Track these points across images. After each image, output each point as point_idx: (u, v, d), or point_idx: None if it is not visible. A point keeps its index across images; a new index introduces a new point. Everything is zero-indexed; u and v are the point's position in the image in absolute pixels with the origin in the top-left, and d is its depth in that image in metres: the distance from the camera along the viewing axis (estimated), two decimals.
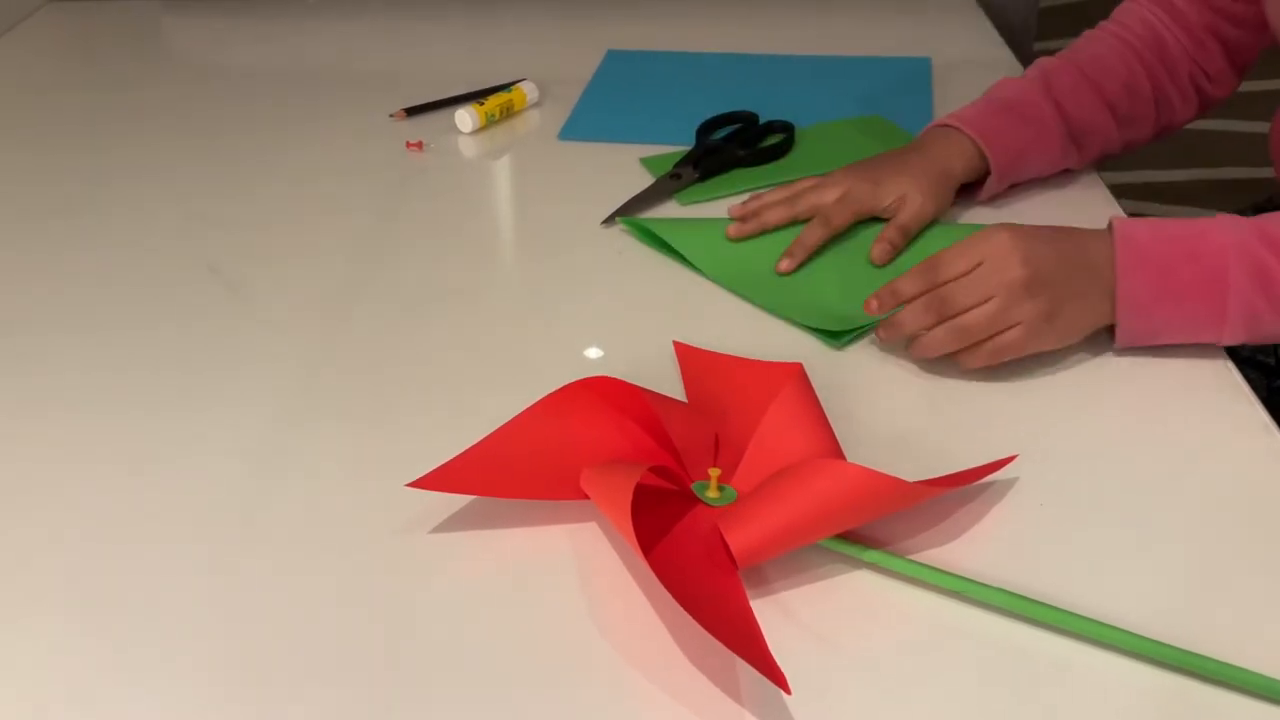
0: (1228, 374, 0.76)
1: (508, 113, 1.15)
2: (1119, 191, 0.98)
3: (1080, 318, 0.75)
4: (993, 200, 0.95)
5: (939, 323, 0.75)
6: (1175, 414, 0.73)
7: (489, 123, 1.13)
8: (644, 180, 1.01)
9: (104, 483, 0.70)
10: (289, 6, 1.46)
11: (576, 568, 0.63)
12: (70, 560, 0.64)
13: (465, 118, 1.11)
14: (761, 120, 1.10)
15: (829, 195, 0.89)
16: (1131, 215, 0.79)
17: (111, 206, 1.02)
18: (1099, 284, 0.75)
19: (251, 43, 1.38)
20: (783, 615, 0.59)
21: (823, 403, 0.70)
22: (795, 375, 0.71)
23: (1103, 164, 0.99)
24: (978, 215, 0.93)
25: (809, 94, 1.18)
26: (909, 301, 0.76)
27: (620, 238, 0.94)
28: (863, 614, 0.60)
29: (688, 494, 0.65)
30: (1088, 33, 1.00)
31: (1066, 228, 0.78)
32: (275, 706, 0.56)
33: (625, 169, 1.04)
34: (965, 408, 0.74)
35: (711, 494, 0.65)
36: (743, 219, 0.91)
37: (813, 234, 0.88)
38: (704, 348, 0.78)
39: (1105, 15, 1.02)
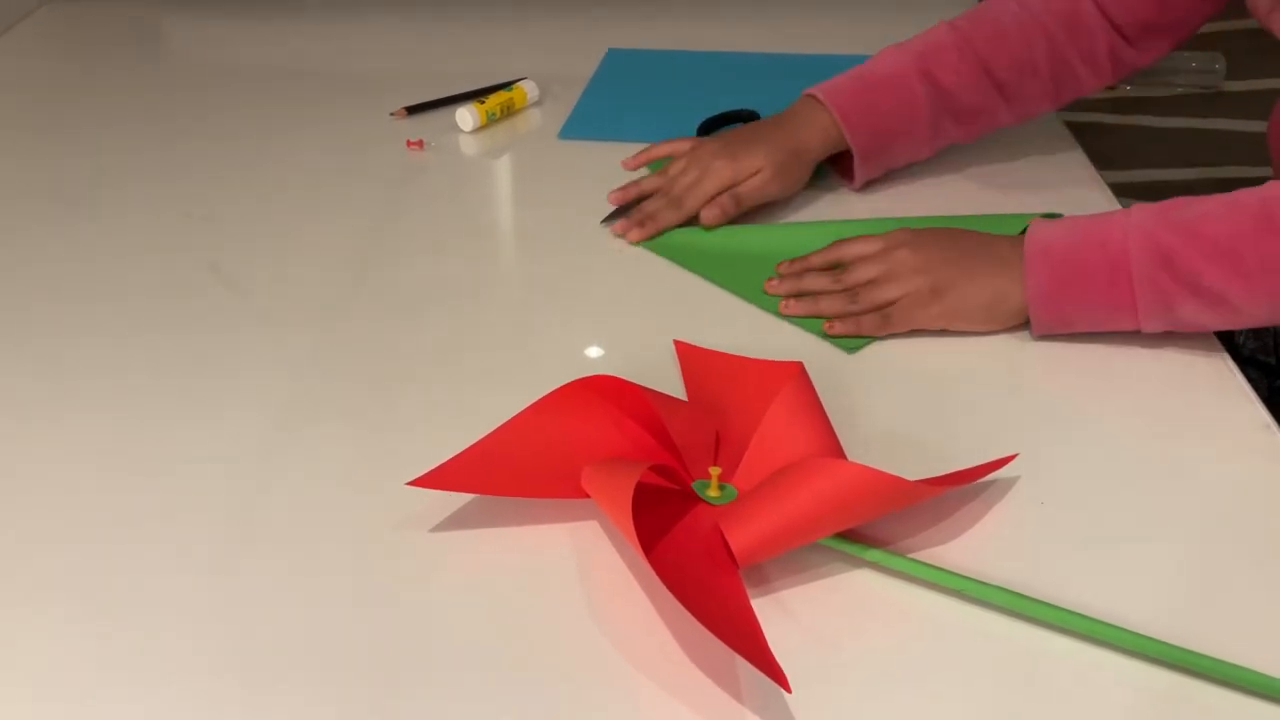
0: (1228, 374, 0.76)
1: (508, 111, 1.15)
2: (1119, 191, 0.98)
3: (973, 297, 0.79)
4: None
5: (834, 290, 0.83)
6: (1175, 413, 0.73)
7: (489, 121, 1.13)
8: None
9: (104, 482, 0.70)
10: (289, 6, 1.46)
11: (577, 566, 0.63)
12: (71, 560, 0.64)
13: (466, 116, 1.11)
14: (761, 119, 1.09)
15: (689, 177, 0.93)
16: None
17: (111, 206, 1.01)
18: (1002, 271, 0.78)
19: (251, 42, 1.38)
20: (783, 614, 0.59)
21: (823, 402, 0.70)
22: (796, 374, 0.71)
23: (1103, 164, 0.99)
24: (990, 205, 0.93)
25: None
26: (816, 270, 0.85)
27: (620, 237, 0.94)
28: (863, 612, 0.60)
29: (688, 493, 0.65)
30: (990, 3, 0.97)
31: (979, 233, 0.83)
32: (276, 705, 0.56)
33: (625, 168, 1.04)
34: (965, 407, 0.74)
35: (712, 493, 0.65)
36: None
37: (665, 218, 0.92)
38: (704, 347, 0.78)
39: None
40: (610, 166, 1.04)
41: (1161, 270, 0.74)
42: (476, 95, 1.15)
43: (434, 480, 0.64)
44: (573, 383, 0.68)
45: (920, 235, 0.83)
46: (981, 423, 0.73)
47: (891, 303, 0.80)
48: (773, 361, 0.74)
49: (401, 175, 1.05)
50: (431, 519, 0.66)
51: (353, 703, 0.56)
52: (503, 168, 1.09)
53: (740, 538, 0.60)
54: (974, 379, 0.76)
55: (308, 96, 1.22)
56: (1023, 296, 0.78)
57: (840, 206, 0.96)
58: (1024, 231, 0.80)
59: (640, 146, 1.06)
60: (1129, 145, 2.26)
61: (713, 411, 0.70)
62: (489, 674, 0.57)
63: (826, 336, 0.80)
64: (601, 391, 0.68)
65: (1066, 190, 0.97)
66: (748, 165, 0.92)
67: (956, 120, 0.96)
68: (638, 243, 0.92)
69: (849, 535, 0.62)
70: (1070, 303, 0.77)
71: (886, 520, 0.64)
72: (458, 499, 0.66)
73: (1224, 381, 0.76)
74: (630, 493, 0.59)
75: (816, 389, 0.71)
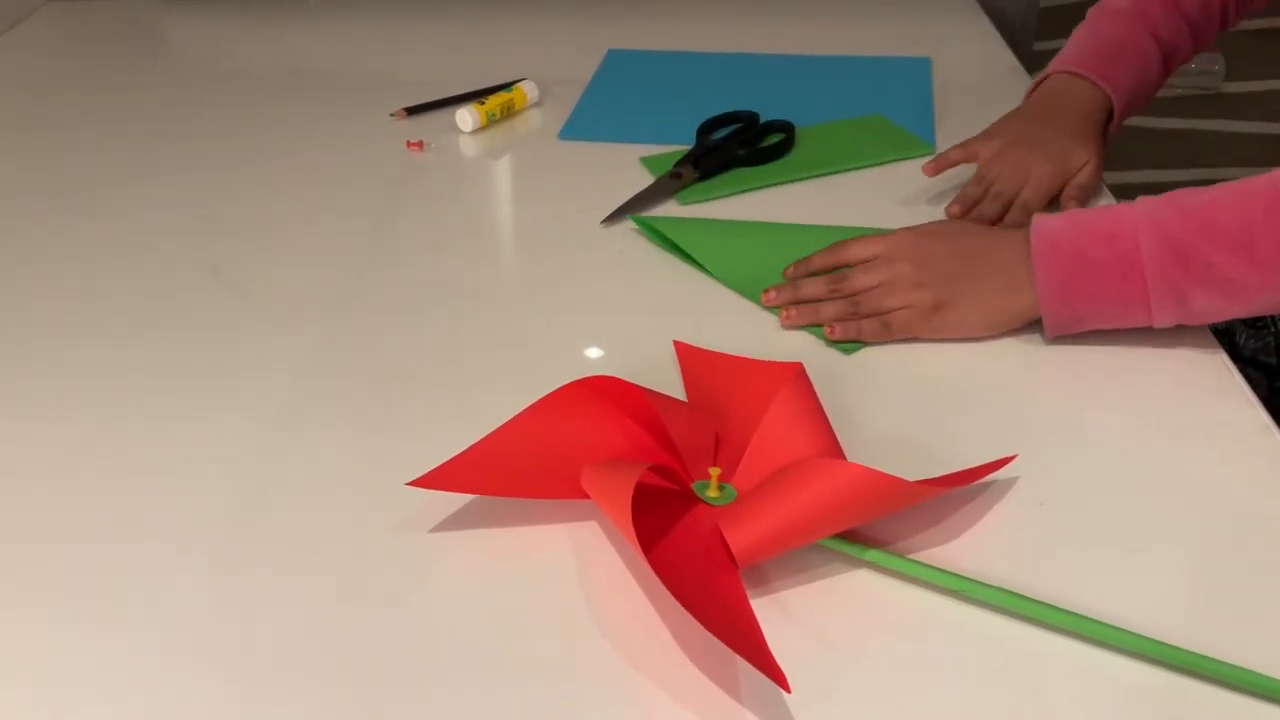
0: (1228, 374, 0.76)
1: (508, 112, 1.15)
2: (1119, 192, 0.97)
3: (978, 310, 0.79)
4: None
5: (832, 297, 0.82)
6: (1175, 413, 0.73)
7: (489, 122, 1.13)
8: (644, 180, 1.01)
9: (104, 482, 0.70)
10: (289, 6, 1.46)
11: (576, 566, 0.63)
12: (70, 560, 0.64)
13: (466, 117, 1.11)
14: (762, 120, 1.10)
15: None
16: None
17: (112, 206, 1.02)
18: (1008, 278, 0.78)
19: (252, 42, 1.38)
20: (783, 614, 0.59)
21: (823, 402, 0.70)
22: (795, 375, 0.71)
23: (1102, 164, 0.99)
24: None
25: (809, 94, 1.18)
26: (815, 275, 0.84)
27: (621, 238, 0.94)
28: (862, 613, 0.60)
29: (688, 493, 0.65)
30: None
31: (984, 229, 0.84)
32: (275, 705, 0.56)
33: (625, 168, 1.04)
34: (965, 407, 0.74)
35: (712, 493, 0.65)
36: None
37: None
38: (704, 347, 0.78)
39: None
40: (610, 167, 1.04)
41: (1173, 262, 0.74)
42: (476, 96, 1.15)
43: (433, 480, 0.64)
44: (572, 383, 0.68)
45: (921, 241, 0.82)
46: (981, 423, 0.73)
47: (892, 311, 0.80)
48: (772, 362, 0.74)
49: (401, 176, 1.05)
50: (431, 519, 0.66)
51: (352, 702, 0.56)
52: (503, 168, 1.09)
53: (740, 538, 0.60)
54: (974, 380, 0.76)
55: (308, 97, 1.22)
56: (1028, 300, 0.77)
57: (845, 209, 0.96)
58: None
59: (640, 148, 1.07)
60: (1129, 146, 2.26)
61: (712, 412, 0.70)
62: (488, 674, 0.57)
63: (835, 343, 0.80)
64: (601, 392, 0.68)
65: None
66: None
67: (1165, 70, 0.99)
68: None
69: (848, 536, 0.62)
70: (1082, 301, 0.77)
71: (886, 521, 0.64)
72: (457, 499, 0.66)
73: (1223, 382, 0.76)
74: (630, 493, 0.59)
75: (816, 390, 0.71)
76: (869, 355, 0.79)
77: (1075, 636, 0.58)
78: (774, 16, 1.39)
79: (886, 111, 1.12)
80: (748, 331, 0.82)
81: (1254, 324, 0.97)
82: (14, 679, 0.57)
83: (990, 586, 0.59)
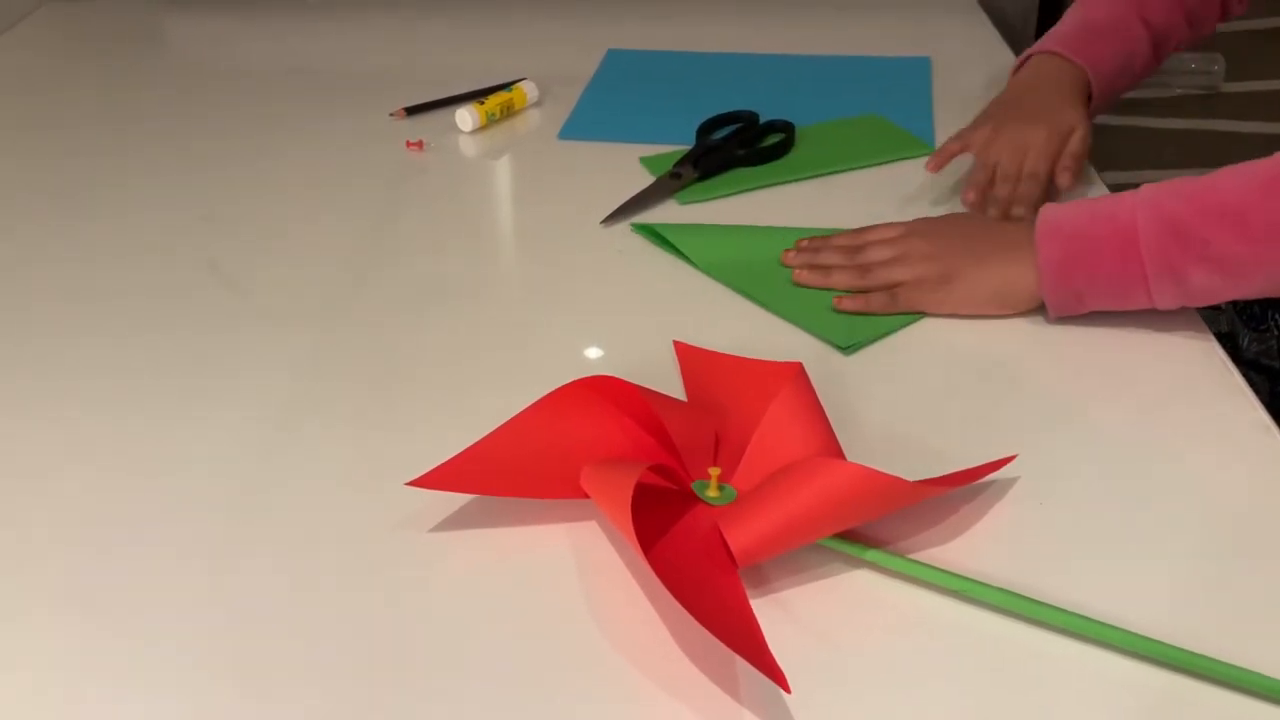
0: (1228, 375, 0.76)
1: (508, 112, 1.15)
2: (1118, 190, 0.98)
3: (981, 285, 0.80)
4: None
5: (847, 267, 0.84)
6: (1176, 414, 0.73)
7: (489, 122, 1.13)
8: (644, 179, 1.01)
9: (103, 481, 0.70)
10: (289, 6, 1.46)
11: (576, 566, 0.63)
12: (69, 560, 0.64)
13: (465, 117, 1.11)
14: (761, 120, 1.10)
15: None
16: None
17: (111, 205, 1.02)
18: (1014, 256, 0.79)
19: (251, 42, 1.38)
20: (782, 614, 0.59)
21: (822, 402, 0.70)
22: (795, 374, 0.71)
23: (1102, 164, 1.00)
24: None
25: (809, 94, 1.18)
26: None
27: (620, 238, 0.94)
28: (862, 613, 0.60)
29: (687, 493, 0.65)
30: None
31: (995, 220, 0.87)
32: (275, 705, 0.56)
33: (625, 168, 1.04)
34: (965, 407, 0.74)
35: (711, 493, 0.65)
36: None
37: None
38: (704, 347, 0.78)
39: None
40: (610, 166, 1.04)
41: (1170, 238, 0.75)
42: (476, 96, 1.15)
43: (433, 480, 0.64)
44: (572, 383, 0.68)
45: (936, 224, 0.86)
46: (981, 423, 0.73)
47: (900, 284, 0.82)
48: (772, 362, 0.74)
49: (401, 175, 1.05)
50: (430, 519, 0.66)
51: (352, 702, 0.56)
52: (502, 168, 1.09)
53: (739, 538, 0.60)
54: (973, 380, 0.76)
55: (308, 97, 1.22)
56: (1035, 279, 0.79)
57: (844, 209, 0.96)
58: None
59: (640, 147, 1.07)
60: (1128, 146, 2.26)
61: (712, 412, 0.70)
62: (487, 674, 0.57)
63: (824, 337, 0.80)
64: (601, 392, 0.68)
65: (1066, 192, 0.97)
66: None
67: (1156, 53, 0.99)
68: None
69: (848, 535, 0.62)
70: (1082, 278, 0.78)
71: (886, 520, 0.64)
72: (457, 499, 0.66)
73: (1224, 384, 0.76)
74: (629, 493, 0.59)
75: (816, 389, 0.71)
76: (869, 355, 0.79)
77: (1075, 636, 0.58)
78: (774, 16, 1.39)
79: (886, 111, 1.12)
80: (747, 331, 0.82)
81: (1257, 326, 0.97)
82: (13, 679, 0.57)
83: (990, 586, 0.59)
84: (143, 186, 1.05)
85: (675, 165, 1.02)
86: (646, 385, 0.68)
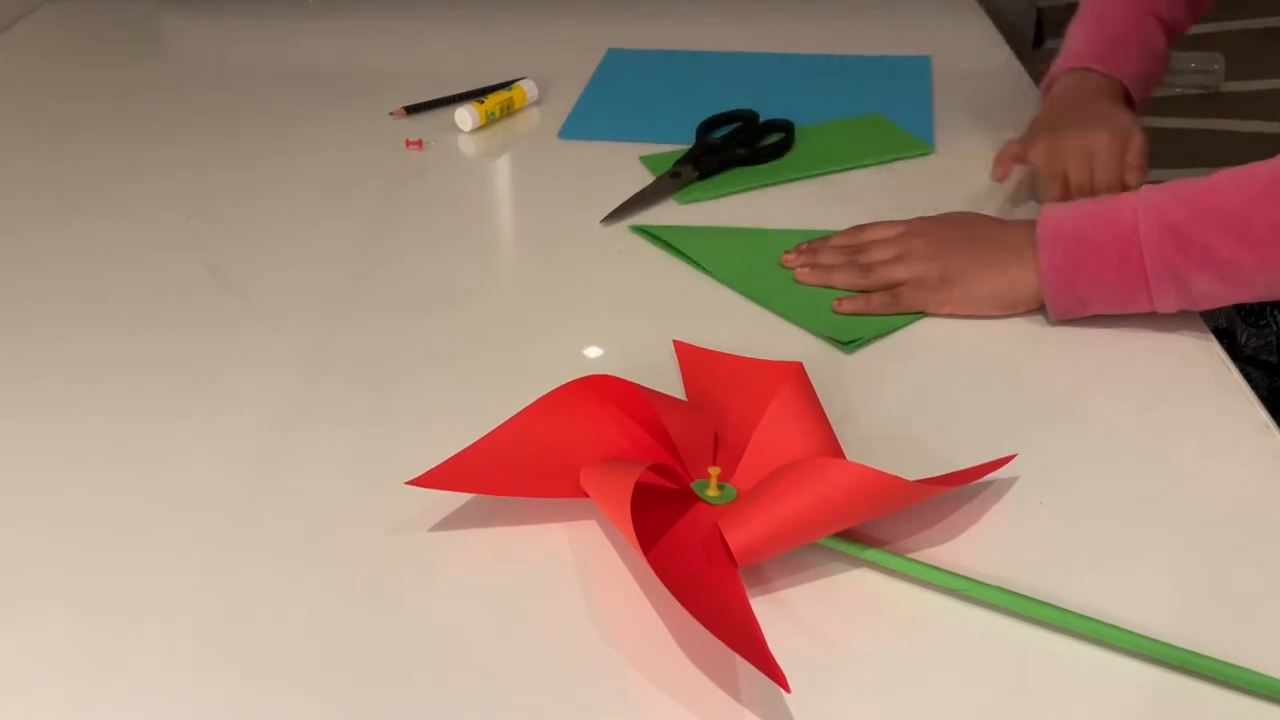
0: (1227, 373, 0.76)
1: (508, 111, 1.15)
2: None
3: (981, 285, 0.80)
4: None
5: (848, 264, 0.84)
6: (1174, 412, 0.73)
7: (489, 121, 1.13)
8: (644, 179, 1.01)
9: (102, 481, 0.70)
10: (288, 5, 1.46)
11: (576, 566, 0.63)
12: (70, 562, 0.64)
13: (465, 116, 1.11)
14: (761, 119, 1.10)
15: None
16: None
17: (110, 206, 1.01)
18: (1017, 259, 0.79)
19: (251, 42, 1.38)
20: (782, 613, 0.59)
21: (822, 401, 0.70)
22: (795, 374, 0.71)
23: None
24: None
25: (809, 93, 1.18)
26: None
27: (620, 237, 0.94)
28: (862, 612, 0.60)
29: (687, 492, 0.65)
30: None
31: (996, 219, 0.86)
32: (274, 703, 0.56)
33: (625, 167, 1.04)
34: (964, 406, 0.74)
35: (711, 492, 0.65)
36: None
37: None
38: (704, 346, 0.78)
39: None
40: (610, 166, 1.04)
41: (1171, 244, 0.75)
42: (476, 95, 1.15)
43: (432, 480, 0.64)
44: (571, 382, 0.68)
45: (937, 223, 0.85)
46: (980, 423, 0.73)
47: (902, 283, 0.82)
48: (772, 361, 0.73)
49: (401, 175, 1.05)
50: (430, 519, 0.66)
51: (349, 701, 0.56)
52: (502, 167, 1.09)
53: (739, 537, 0.60)
54: (973, 379, 0.76)
55: (307, 96, 1.22)
56: (1036, 282, 0.79)
57: (844, 208, 0.96)
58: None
59: (640, 146, 1.07)
60: None
61: (712, 411, 0.70)
62: (486, 673, 0.57)
63: (826, 335, 0.80)
64: (600, 391, 0.68)
65: None
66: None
67: (1168, 43, 0.99)
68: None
69: (848, 535, 0.62)
70: (1084, 284, 0.78)
71: (885, 520, 0.64)
72: (456, 498, 0.66)
73: (1223, 381, 0.76)
74: (629, 492, 0.59)
75: (816, 388, 0.71)
76: (868, 354, 0.79)
77: (1075, 635, 0.58)
78: (774, 16, 1.39)
79: (886, 111, 1.12)
80: (747, 331, 0.82)
81: (1255, 321, 0.97)
82: (13, 679, 0.57)
83: (990, 586, 0.59)
84: (141, 186, 1.04)
85: (675, 164, 1.02)
86: (646, 384, 0.68)
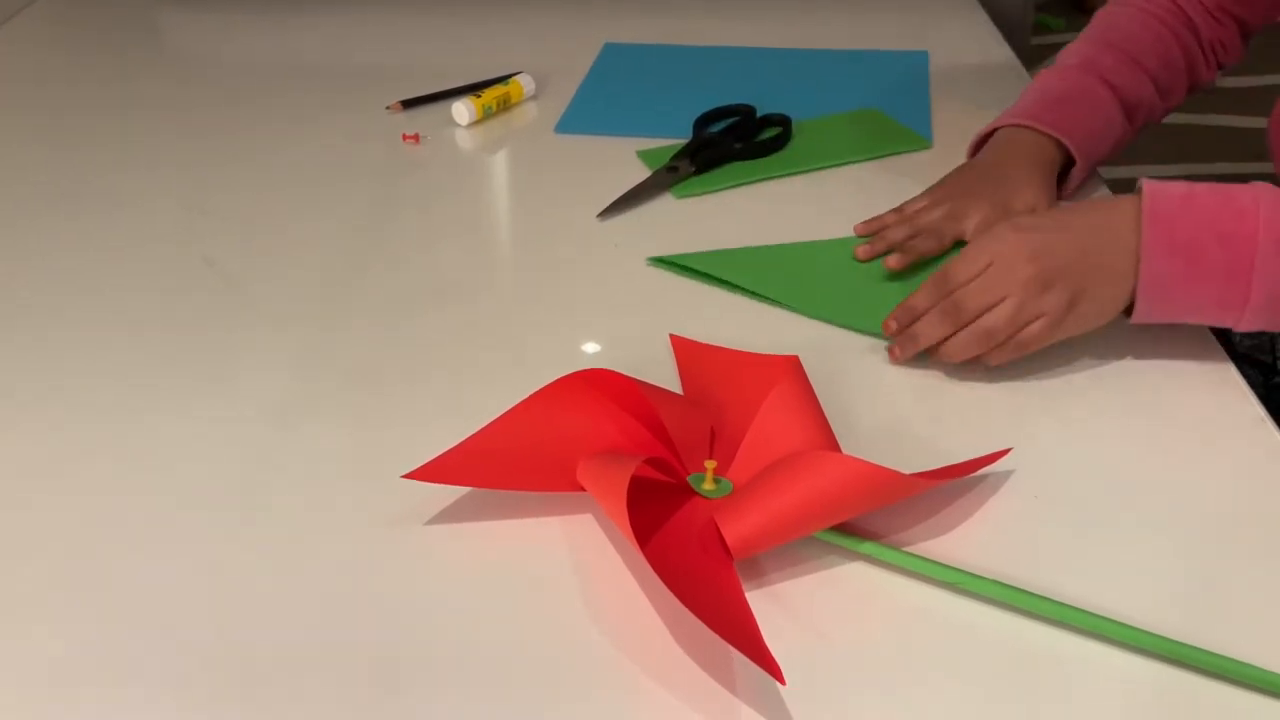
0: (1225, 370, 0.76)
1: (504, 105, 1.15)
2: (1115, 187, 0.98)
3: (1106, 299, 0.73)
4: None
5: (955, 330, 0.74)
6: (1171, 408, 0.73)
7: (485, 115, 1.13)
8: (641, 173, 1.01)
9: (100, 479, 0.70)
10: (285, 0, 1.46)
11: (572, 560, 0.63)
12: (65, 557, 0.64)
13: (462, 110, 1.11)
14: (759, 113, 1.10)
15: (936, 214, 0.88)
16: None
17: (106, 200, 1.01)
18: (1122, 260, 0.72)
19: (247, 36, 1.38)
20: (778, 607, 0.60)
21: (818, 395, 0.70)
22: (791, 368, 0.71)
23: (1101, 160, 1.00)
24: None
25: (806, 87, 1.18)
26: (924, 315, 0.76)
27: (617, 232, 0.94)
28: (858, 605, 0.60)
29: (684, 486, 0.65)
30: (1110, 10, 1.00)
31: (1082, 204, 0.78)
32: (272, 702, 0.56)
33: (622, 162, 1.04)
34: (960, 400, 0.74)
35: (707, 486, 0.65)
36: (868, 237, 0.89)
37: (925, 244, 0.86)
38: (700, 341, 0.78)
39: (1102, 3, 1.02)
40: (607, 160, 1.04)
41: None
42: (472, 89, 1.15)
43: (429, 473, 0.64)
44: (568, 376, 0.68)
45: (1029, 238, 0.74)
46: (976, 417, 0.73)
47: (1024, 327, 0.73)
48: (768, 355, 0.74)
49: (397, 169, 1.05)
50: (426, 512, 0.66)
51: (348, 698, 0.56)
52: (499, 162, 1.09)
53: (735, 531, 0.60)
54: (969, 373, 0.76)
55: (303, 90, 1.21)
56: (1135, 284, 0.72)
57: (841, 203, 0.96)
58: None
59: (637, 141, 1.07)
60: None
61: (708, 405, 0.70)
62: (482, 668, 0.57)
63: (870, 331, 0.79)
64: (597, 385, 0.68)
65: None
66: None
67: (1129, 118, 0.95)
68: (894, 267, 0.85)
69: (844, 528, 0.62)
70: (1184, 297, 0.73)
71: (881, 513, 0.64)
72: (453, 492, 0.66)
73: (1218, 376, 0.76)
74: (625, 486, 0.59)
75: (812, 382, 0.71)
76: (865, 349, 0.79)
77: (1069, 629, 0.58)
78: (771, 10, 1.39)
79: (884, 105, 1.12)
80: (744, 325, 0.82)
81: None
82: (13, 678, 0.57)
83: (986, 579, 0.60)
84: (137, 180, 1.04)
85: (672, 159, 1.02)
86: (642, 378, 0.68)
